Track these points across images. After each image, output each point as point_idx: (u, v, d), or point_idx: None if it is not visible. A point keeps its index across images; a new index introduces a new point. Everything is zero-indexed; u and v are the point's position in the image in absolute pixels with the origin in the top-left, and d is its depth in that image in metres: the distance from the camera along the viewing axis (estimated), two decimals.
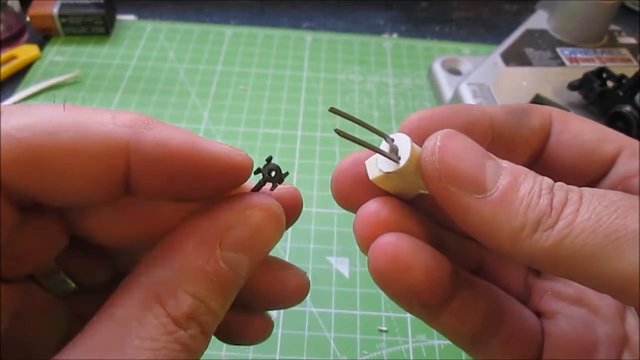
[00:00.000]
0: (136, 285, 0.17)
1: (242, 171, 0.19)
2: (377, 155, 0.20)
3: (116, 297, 0.16)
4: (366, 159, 0.20)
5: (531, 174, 0.18)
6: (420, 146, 0.19)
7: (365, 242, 0.20)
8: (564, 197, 0.16)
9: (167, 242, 0.18)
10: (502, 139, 0.21)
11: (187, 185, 0.18)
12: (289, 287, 0.23)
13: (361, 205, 0.20)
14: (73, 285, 0.22)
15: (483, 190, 0.17)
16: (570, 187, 0.17)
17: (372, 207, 0.20)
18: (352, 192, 0.21)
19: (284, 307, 0.24)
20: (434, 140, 0.18)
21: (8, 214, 0.16)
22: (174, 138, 0.17)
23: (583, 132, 0.21)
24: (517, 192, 0.17)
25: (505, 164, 0.18)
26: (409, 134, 0.19)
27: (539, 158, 0.22)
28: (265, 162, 0.20)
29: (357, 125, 0.20)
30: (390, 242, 0.19)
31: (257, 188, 0.20)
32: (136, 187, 0.18)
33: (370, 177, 0.20)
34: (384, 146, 0.20)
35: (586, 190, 0.17)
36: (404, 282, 0.19)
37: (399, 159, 0.19)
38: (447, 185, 0.18)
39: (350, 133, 0.19)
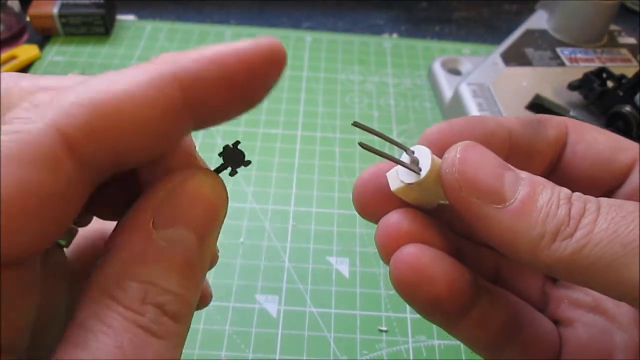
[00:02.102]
0: (89, 289, 0.17)
1: (275, 55, 0.17)
2: (398, 167, 0.20)
3: (77, 305, 0.17)
4: (387, 171, 0.21)
5: (549, 184, 0.18)
6: (440, 158, 0.19)
7: (387, 253, 0.20)
8: (581, 208, 0.17)
9: (109, 241, 0.18)
10: (519, 150, 0.21)
11: (242, 87, 0.17)
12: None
13: (382, 217, 0.21)
14: (77, 230, 0.22)
15: (502, 200, 0.18)
16: (588, 197, 0.17)
17: (394, 219, 0.20)
18: (373, 203, 0.21)
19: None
20: (454, 152, 0.19)
21: (85, 189, 0.16)
22: (209, 49, 0.17)
23: (598, 142, 0.21)
24: (535, 203, 0.17)
25: (523, 174, 0.18)
26: (428, 146, 0.20)
27: (555, 169, 0.22)
28: (230, 146, 0.19)
29: (376, 136, 0.21)
30: (412, 253, 0.19)
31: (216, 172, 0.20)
32: (202, 109, 0.17)
33: (392, 189, 0.20)
34: (405, 158, 0.20)
35: (604, 200, 0.17)
36: (425, 293, 0.19)
37: (420, 170, 0.20)
38: (467, 196, 0.18)
39: (371, 144, 0.19)
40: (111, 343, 0.15)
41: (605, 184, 0.21)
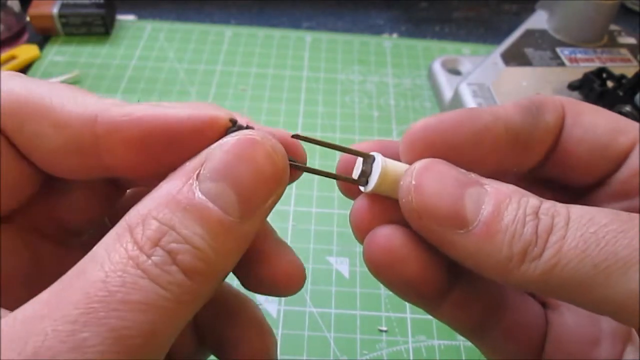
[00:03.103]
0: (118, 223, 0.16)
1: (212, 128, 0.18)
2: (358, 163, 0.20)
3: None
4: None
5: (516, 195, 0.17)
6: (424, 157, 0.19)
7: (360, 233, 0.20)
8: (549, 223, 0.16)
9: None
10: (517, 142, 0.20)
11: (162, 155, 0.18)
12: (278, 272, 0.21)
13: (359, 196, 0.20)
14: None
15: (465, 225, 0.17)
16: (557, 208, 0.17)
17: (367, 199, 0.20)
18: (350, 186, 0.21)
19: (273, 294, 0.22)
20: (409, 178, 0.18)
21: (19, 169, 0.18)
22: (140, 108, 0.18)
23: (596, 126, 0.20)
24: (500, 223, 0.16)
25: (488, 186, 0.18)
26: (413, 146, 0.19)
27: (551, 155, 0.21)
28: (231, 126, 0.18)
29: (321, 146, 0.21)
30: (385, 234, 0.19)
31: None
32: (112, 162, 0.18)
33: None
34: (358, 166, 0.20)
35: (574, 211, 0.16)
36: (398, 274, 0.19)
37: (367, 183, 0.20)
38: (427, 224, 0.18)
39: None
40: (101, 276, 0.14)
41: (602, 169, 0.20)
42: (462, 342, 0.41)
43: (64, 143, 0.17)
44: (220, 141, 0.17)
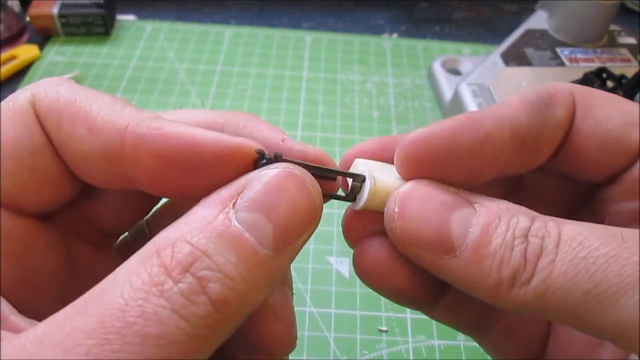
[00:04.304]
0: (144, 246, 0.16)
1: (238, 157, 0.17)
2: (352, 170, 0.20)
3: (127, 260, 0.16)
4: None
5: (506, 216, 0.17)
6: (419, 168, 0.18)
7: (351, 240, 0.20)
8: (538, 246, 0.16)
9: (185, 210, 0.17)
10: (524, 143, 0.19)
11: (185, 174, 0.17)
12: (267, 338, 0.20)
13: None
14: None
15: (451, 250, 0.17)
16: (549, 228, 0.16)
17: (355, 211, 0.20)
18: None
19: (264, 355, 0.21)
20: (393, 205, 0.18)
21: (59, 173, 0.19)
22: (171, 124, 0.17)
23: (608, 119, 0.19)
24: (487, 247, 0.16)
25: (478, 205, 0.17)
26: (407, 161, 0.18)
27: (560, 151, 0.20)
28: (258, 156, 0.18)
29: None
30: (373, 246, 0.19)
31: None
32: (135, 173, 0.18)
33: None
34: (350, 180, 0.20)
35: (565, 233, 0.16)
36: (386, 284, 0.19)
37: (355, 199, 0.20)
38: (412, 250, 0.17)
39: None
40: (120, 303, 0.14)
41: (614, 165, 0.19)
42: (462, 342, 0.41)
43: (94, 148, 0.18)
44: (259, 172, 0.17)
